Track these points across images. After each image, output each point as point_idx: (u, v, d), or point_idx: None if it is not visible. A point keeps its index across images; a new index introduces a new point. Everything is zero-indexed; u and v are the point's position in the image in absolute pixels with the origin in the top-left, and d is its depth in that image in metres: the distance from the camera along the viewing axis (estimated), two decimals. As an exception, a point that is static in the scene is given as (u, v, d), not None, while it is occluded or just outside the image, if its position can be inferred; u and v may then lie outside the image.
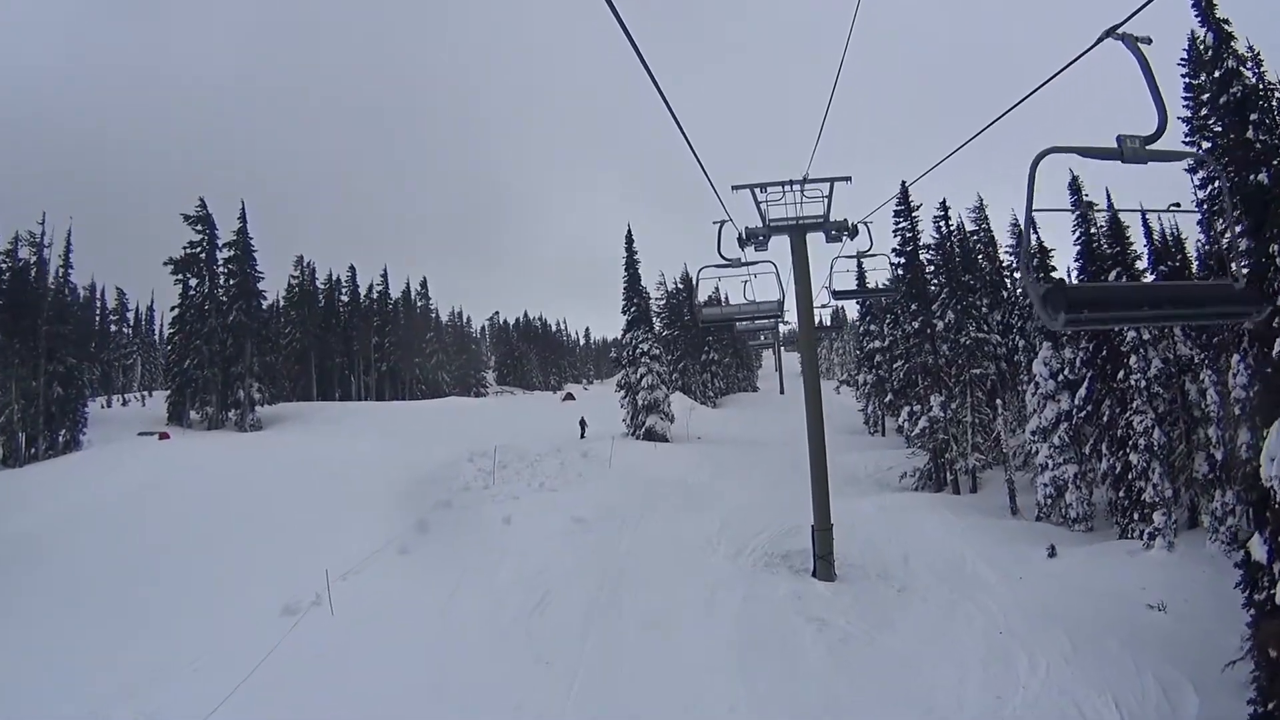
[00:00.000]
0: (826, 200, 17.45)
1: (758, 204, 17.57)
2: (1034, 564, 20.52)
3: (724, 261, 14.47)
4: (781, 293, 15.45)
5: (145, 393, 64.59)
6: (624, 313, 47.15)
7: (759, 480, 31.73)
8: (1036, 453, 27.60)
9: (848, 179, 17.34)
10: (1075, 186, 25.95)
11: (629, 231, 48.32)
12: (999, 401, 31.63)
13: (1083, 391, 26.41)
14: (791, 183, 17.18)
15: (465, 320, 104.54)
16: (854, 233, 18.12)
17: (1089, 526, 25.01)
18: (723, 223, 15.68)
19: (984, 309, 34.69)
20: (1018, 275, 36.44)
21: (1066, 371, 27.25)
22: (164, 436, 39.48)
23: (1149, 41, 4.65)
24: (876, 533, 22.44)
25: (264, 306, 54.40)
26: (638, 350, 44.92)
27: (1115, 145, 4.52)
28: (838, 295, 18.71)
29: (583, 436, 38.60)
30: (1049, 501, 26.51)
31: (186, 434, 45.55)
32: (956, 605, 17.04)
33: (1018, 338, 35.22)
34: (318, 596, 16.33)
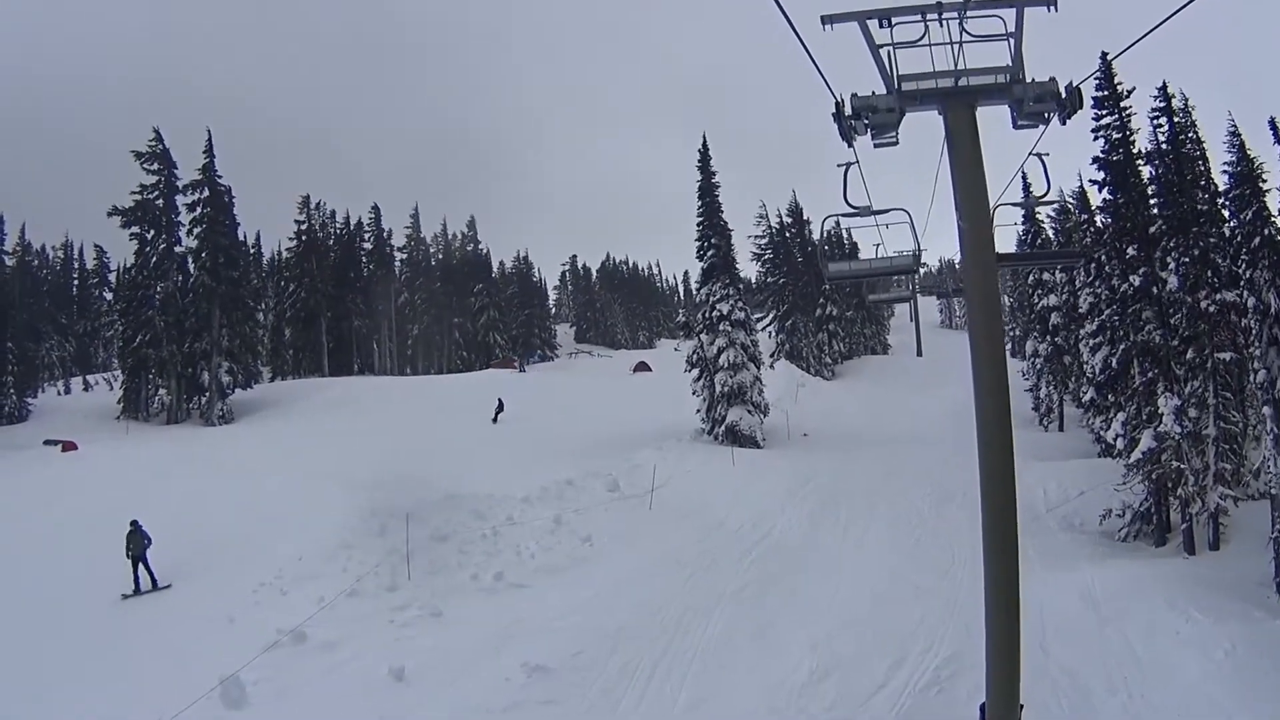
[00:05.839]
0: (1012, 42, 9.03)
1: (875, 53, 9.25)
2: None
3: (851, 210, 10.08)
4: (917, 244, 10.43)
5: (120, 373, 59.83)
6: (699, 257, 38.51)
7: (886, 529, 22.99)
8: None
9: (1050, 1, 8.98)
10: None
11: (704, 144, 38.92)
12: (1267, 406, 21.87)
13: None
14: (940, 8, 8.90)
15: (527, 265, 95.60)
16: (1073, 104, 9.34)
17: (1405, 629, 17.05)
18: (848, 165, 9.90)
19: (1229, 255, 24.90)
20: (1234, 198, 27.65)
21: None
22: (68, 446, 33.11)
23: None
24: (1084, 660, 14.68)
25: (240, 262, 47.68)
26: (715, 312, 35.75)
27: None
28: None
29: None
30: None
31: (130, 433, 40.02)
32: None
33: (1245, 294, 25.41)
34: None
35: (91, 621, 15.70)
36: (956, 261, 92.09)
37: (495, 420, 35.32)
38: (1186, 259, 23.37)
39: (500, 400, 37.56)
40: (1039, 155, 10.26)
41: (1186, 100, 27.65)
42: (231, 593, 16.22)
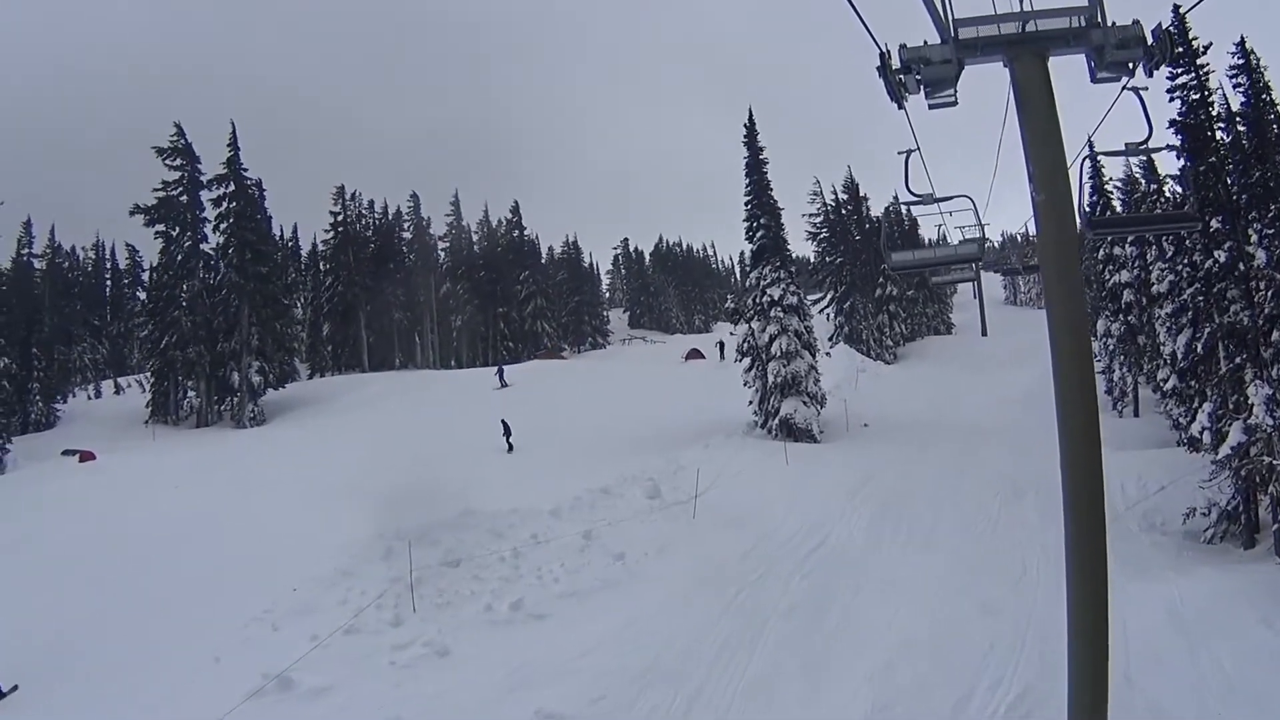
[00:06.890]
0: (1091, -20, 8.31)
1: (927, -6, 8.39)
2: None
3: (914, 198, 9.40)
4: (981, 231, 10.88)
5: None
6: (747, 238, 37.10)
7: (952, 533, 21.12)
8: None
9: (1124, -72, 8.76)
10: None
11: (750, 119, 37.27)
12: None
13: None
14: (1007, -61, 9.27)
15: (576, 250, 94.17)
16: (1163, 51, 8.15)
17: None
18: (909, 152, 9.34)
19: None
20: None
21: None
22: (85, 457, 32.70)
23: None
24: (1174, 692, 12.98)
25: (273, 257, 47.41)
26: (765, 297, 34.02)
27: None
28: None
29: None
30: None
31: (157, 438, 39.74)
32: None
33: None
34: None
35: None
36: (1019, 236, 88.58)
37: (510, 449, 30.92)
38: (1271, 230, 21.39)
39: (505, 423, 31.52)
40: (1135, 90, 8.62)
41: (1259, 59, 25.64)
42: (221, 628, 14.98)
